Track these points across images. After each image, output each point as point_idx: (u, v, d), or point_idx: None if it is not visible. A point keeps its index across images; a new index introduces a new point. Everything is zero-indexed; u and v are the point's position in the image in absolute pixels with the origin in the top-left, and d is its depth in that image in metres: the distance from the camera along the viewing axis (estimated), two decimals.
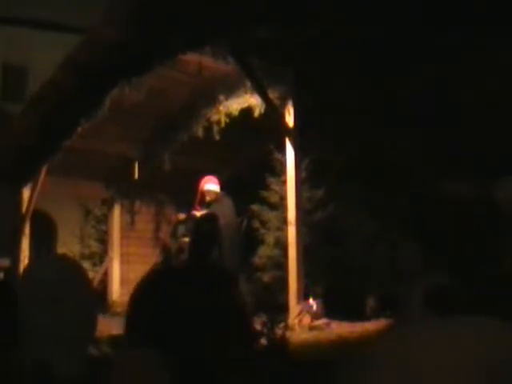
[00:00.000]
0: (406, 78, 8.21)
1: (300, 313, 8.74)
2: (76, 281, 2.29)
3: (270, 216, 10.68)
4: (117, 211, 13.33)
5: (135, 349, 1.61)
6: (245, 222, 10.85)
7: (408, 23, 7.48)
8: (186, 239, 10.90)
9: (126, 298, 2.20)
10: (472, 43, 7.37)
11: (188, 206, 11.01)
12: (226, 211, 10.25)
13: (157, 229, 13.83)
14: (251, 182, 10.68)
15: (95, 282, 12.82)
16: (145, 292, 1.77)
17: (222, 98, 10.31)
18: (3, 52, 20.18)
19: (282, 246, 9.88)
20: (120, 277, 12.92)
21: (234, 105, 10.15)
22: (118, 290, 12.81)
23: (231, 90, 10.16)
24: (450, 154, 8.27)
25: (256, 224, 10.81)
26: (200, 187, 10.42)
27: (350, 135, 9.73)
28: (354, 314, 8.84)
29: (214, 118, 10.46)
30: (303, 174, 9.70)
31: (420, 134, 8.55)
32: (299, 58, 8.91)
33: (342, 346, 7.20)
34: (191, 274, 1.75)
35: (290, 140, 9.20)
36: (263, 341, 7.22)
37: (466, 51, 7.54)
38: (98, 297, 10.26)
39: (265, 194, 10.64)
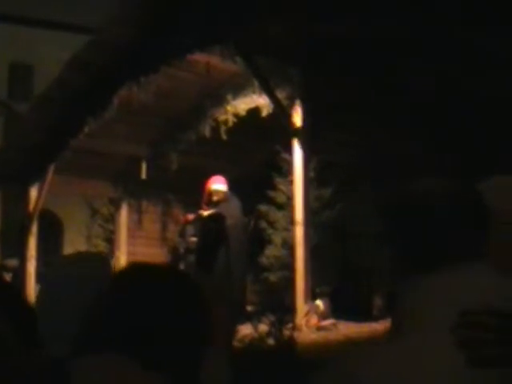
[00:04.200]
0: (417, 76, 8.20)
1: (307, 313, 8.72)
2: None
3: (278, 216, 10.67)
4: (124, 211, 13.36)
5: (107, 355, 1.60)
6: (252, 222, 10.85)
7: (417, 22, 7.47)
8: (194, 239, 10.90)
9: None
10: (475, 41, 7.37)
11: (195, 206, 11.01)
12: (233, 211, 10.24)
13: (164, 229, 13.84)
14: (258, 181, 10.68)
15: None
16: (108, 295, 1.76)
17: (229, 97, 10.30)
18: (10, 51, 20.24)
19: (290, 246, 9.86)
20: None
21: (242, 105, 10.14)
22: None
23: (239, 90, 10.15)
24: (460, 151, 8.28)
25: (263, 224, 10.80)
26: (207, 187, 10.41)
27: (358, 134, 9.72)
28: (361, 314, 8.84)
29: (222, 117, 10.46)
30: (311, 174, 9.68)
31: (431, 133, 8.54)
32: (307, 58, 8.90)
33: (350, 346, 7.18)
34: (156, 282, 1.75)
35: (297, 140, 9.18)
36: (270, 341, 7.23)
37: (471, 49, 7.54)
38: None
39: (272, 194, 10.63)
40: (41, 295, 2.33)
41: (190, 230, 11.41)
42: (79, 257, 2.73)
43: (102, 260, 2.39)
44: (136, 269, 1.83)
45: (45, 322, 2.25)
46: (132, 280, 1.76)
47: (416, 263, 1.65)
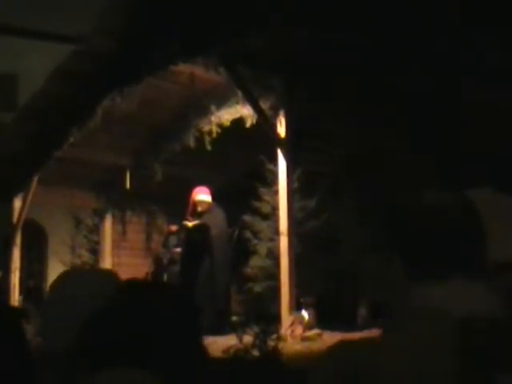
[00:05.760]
0: (401, 87, 8.22)
1: (292, 323, 8.72)
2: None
3: (262, 226, 10.66)
4: (108, 221, 13.31)
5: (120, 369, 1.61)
6: (236, 233, 10.83)
7: (402, 28, 7.49)
8: (178, 250, 10.90)
9: None
10: (470, 44, 7.39)
11: (179, 216, 11.00)
12: (217, 221, 10.25)
13: (148, 239, 13.82)
14: (243, 192, 10.65)
15: None
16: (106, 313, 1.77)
17: (213, 108, 10.30)
18: None
19: (274, 256, 9.87)
20: None
21: (226, 115, 10.14)
22: None
23: (223, 101, 10.15)
24: (446, 166, 8.29)
25: (248, 234, 10.78)
26: (192, 197, 10.41)
27: (340, 145, 9.73)
28: (346, 323, 8.84)
29: (206, 128, 10.45)
30: (295, 184, 9.68)
31: (415, 145, 8.56)
32: (291, 68, 8.91)
33: None
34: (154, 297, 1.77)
35: (281, 150, 9.19)
36: (255, 352, 7.21)
37: (463, 54, 7.56)
38: None
39: (257, 204, 10.61)
40: (46, 310, 2.32)
41: (173, 240, 11.42)
42: (87, 273, 2.73)
43: (108, 277, 2.37)
44: (134, 285, 1.85)
45: (49, 335, 2.26)
46: (133, 297, 1.77)
47: (427, 273, 1.66)
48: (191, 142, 10.81)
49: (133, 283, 1.87)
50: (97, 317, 1.76)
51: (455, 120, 8.12)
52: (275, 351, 7.16)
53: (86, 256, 13.61)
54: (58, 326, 2.21)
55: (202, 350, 1.77)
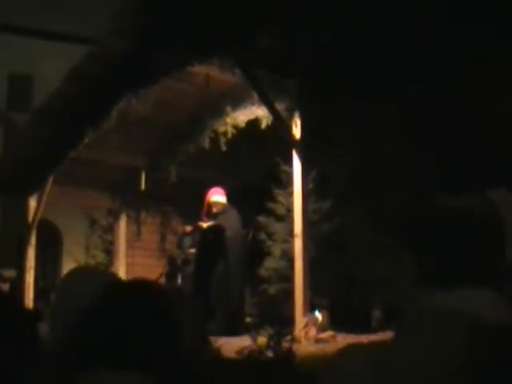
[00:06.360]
0: (412, 87, 8.19)
1: (306, 325, 8.70)
2: None
3: (277, 228, 10.64)
4: (123, 222, 13.33)
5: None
6: (251, 234, 10.82)
7: (402, 28, 7.48)
8: (193, 250, 10.90)
9: None
10: (470, 44, 7.38)
11: (194, 217, 11.01)
12: (232, 223, 10.25)
13: (162, 240, 13.83)
14: (258, 193, 10.65)
15: None
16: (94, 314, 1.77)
17: (229, 109, 10.29)
18: (9, 61, 20.22)
19: (289, 258, 9.85)
20: None
21: (241, 116, 10.14)
22: None
23: (238, 102, 10.14)
24: (456, 166, 8.27)
25: (262, 236, 10.76)
26: (207, 199, 10.43)
27: (356, 147, 9.70)
28: (360, 326, 8.81)
29: (221, 129, 10.45)
30: (310, 186, 9.66)
31: (428, 146, 8.53)
32: (305, 70, 8.89)
33: None
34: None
35: (296, 152, 9.17)
36: (269, 353, 7.21)
37: (463, 53, 7.54)
38: None
39: (271, 205, 10.60)
40: (53, 307, 2.35)
41: (188, 241, 11.43)
42: (91, 272, 2.75)
43: (109, 277, 2.39)
44: (120, 287, 1.85)
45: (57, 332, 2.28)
46: (119, 298, 1.77)
47: (442, 276, 1.67)
48: (206, 144, 10.81)
49: (121, 284, 1.87)
50: (87, 316, 1.76)
51: (455, 120, 8.10)
52: (289, 353, 7.15)
53: (101, 256, 13.66)
54: (61, 322, 2.23)
55: (197, 351, 1.77)
